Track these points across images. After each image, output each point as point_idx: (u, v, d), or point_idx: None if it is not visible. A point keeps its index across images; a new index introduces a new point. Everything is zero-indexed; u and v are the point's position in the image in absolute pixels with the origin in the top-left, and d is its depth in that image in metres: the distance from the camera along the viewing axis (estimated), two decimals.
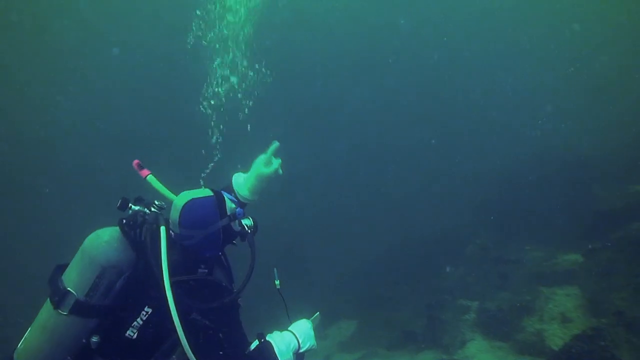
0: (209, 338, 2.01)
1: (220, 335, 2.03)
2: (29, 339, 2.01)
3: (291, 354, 2.21)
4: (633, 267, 6.20)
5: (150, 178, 2.41)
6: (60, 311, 1.95)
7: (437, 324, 7.40)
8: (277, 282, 2.40)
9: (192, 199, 2.19)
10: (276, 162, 2.59)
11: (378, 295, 9.50)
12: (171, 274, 1.96)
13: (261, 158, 2.58)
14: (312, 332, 2.34)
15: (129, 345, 2.01)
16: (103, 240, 2.06)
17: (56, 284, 2.01)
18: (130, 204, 2.18)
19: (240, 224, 2.33)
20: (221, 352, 2.04)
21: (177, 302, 1.91)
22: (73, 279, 2.00)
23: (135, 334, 2.01)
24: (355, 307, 9.47)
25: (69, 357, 2.01)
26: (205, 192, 2.24)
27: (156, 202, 2.21)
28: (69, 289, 1.97)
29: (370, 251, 11.94)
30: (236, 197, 2.55)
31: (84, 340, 1.99)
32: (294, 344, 2.25)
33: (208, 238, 2.18)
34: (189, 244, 2.16)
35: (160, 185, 2.39)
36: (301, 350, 2.27)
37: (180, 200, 2.20)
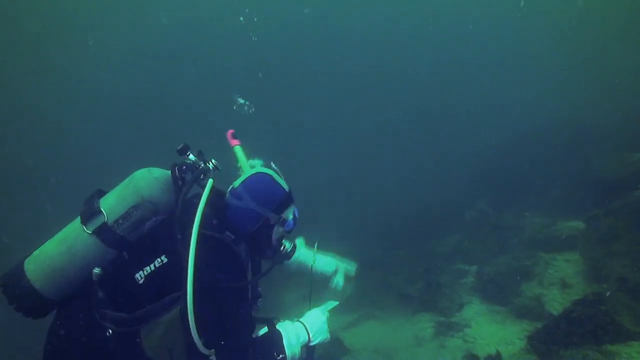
0: (214, 311, 1.94)
1: (227, 312, 1.98)
2: (45, 247, 2.00)
3: (299, 347, 2.14)
4: (635, 234, 6.14)
5: (237, 149, 2.45)
6: (85, 228, 1.95)
7: (434, 287, 7.40)
8: (313, 259, 2.43)
9: (271, 175, 2.21)
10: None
11: (375, 259, 9.48)
12: (201, 225, 1.94)
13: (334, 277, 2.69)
14: (325, 326, 2.27)
15: (132, 288, 1.97)
16: (153, 176, 2.06)
17: (91, 203, 2.01)
18: (189, 153, 2.15)
19: (280, 238, 2.30)
20: (225, 328, 1.98)
21: (196, 260, 1.86)
22: (110, 203, 2.00)
23: (143, 279, 1.96)
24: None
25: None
26: (285, 183, 2.24)
27: (213, 161, 2.17)
28: (102, 209, 1.96)
29: (368, 219, 11.89)
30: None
31: (94, 269, 1.98)
32: (303, 337, 2.19)
33: (250, 213, 2.14)
34: (234, 204, 2.14)
35: (244, 158, 2.41)
36: (312, 344, 2.21)
37: (261, 168, 2.23)
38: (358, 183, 15.06)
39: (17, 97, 19.73)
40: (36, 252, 2.01)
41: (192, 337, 1.88)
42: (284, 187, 2.24)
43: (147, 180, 2.04)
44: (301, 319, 2.26)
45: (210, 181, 2.08)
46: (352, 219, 12.09)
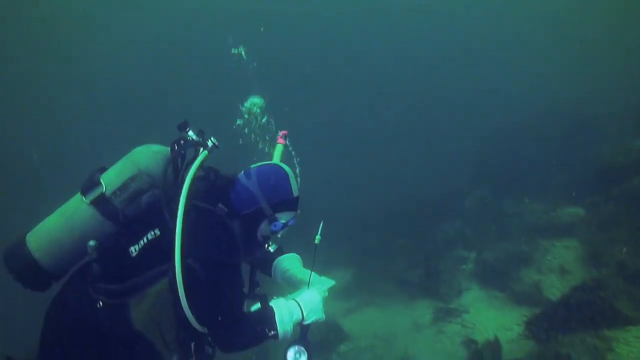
0: (204, 283, 1.95)
1: (217, 285, 1.97)
2: (47, 220, 2.06)
3: (291, 325, 2.09)
4: (635, 220, 6.13)
5: (279, 146, 2.53)
6: (84, 199, 1.99)
7: (433, 274, 7.40)
8: (318, 237, 2.30)
9: (287, 173, 2.22)
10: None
11: (375, 246, 9.49)
12: (192, 196, 1.98)
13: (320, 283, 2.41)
14: (320, 305, 2.20)
15: (126, 262, 1.99)
16: (151, 150, 2.10)
17: (92, 176, 2.05)
18: (188, 129, 2.18)
19: (266, 237, 2.27)
20: (215, 302, 1.97)
21: (183, 231, 1.88)
22: (109, 175, 2.08)
23: (136, 252, 1.99)
24: (352, 257, 9.48)
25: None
26: (296, 189, 2.25)
27: (212, 139, 2.17)
28: (101, 181, 2.01)
29: (368, 207, 11.88)
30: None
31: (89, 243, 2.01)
32: (297, 315, 2.13)
33: (249, 194, 2.16)
34: (241, 181, 2.18)
35: (279, 155, 2.49)
36: (305, 323, 2.16)
37: (282, 164, 2.29)
38: (358, 172, 15.04)
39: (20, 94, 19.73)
40: (38, 227, 2.06)
41: (182, 310, 1.90)
42: (293, 190, 2.23)
43: (145, 154, 2.09)
44: (296, 298, 2.21)
45: (204, 153, 2.10)
46: (353, 207, 12.09)
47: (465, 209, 9.64)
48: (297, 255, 2.62)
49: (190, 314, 1.92)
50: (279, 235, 2.30)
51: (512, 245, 7.23)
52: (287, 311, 2.10)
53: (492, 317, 6.13)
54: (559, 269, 6.35)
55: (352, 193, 13.27)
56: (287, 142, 2.66)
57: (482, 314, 6.29)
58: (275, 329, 2.04)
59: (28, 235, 2.04)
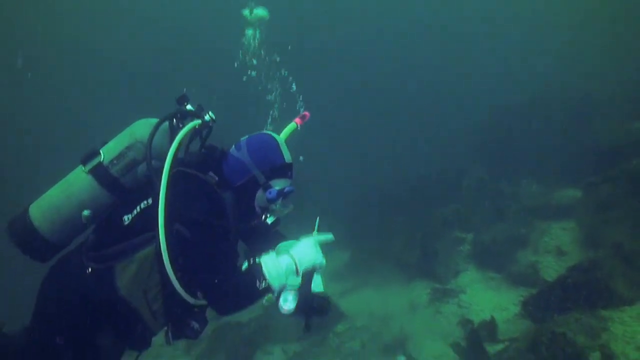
0: (190, 249, 1.94)
1: (201, 249, 1.95)
2: (49, 191, 2.10)
3: (284, 278, 1.98)
4: (633, 202, 6.12)
5: (292, 125, 2.51)
6: (83, 168, 2.03)
7: (430, 255, 7.42)
8: (314, 233, 2.22)
9: (277, 140, 2.22)
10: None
11: (372, 227, 9.50)
12: (180, 163, 2.03)
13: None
14: (313, 249, 2.07)
15: (119, 230, 2.02)
16: (150, 122, 2.13)
17: (93, 147, 2.14)
18: (187, 103, 2.19)
19: (264, 208, 2.23)
20: (204, 264, 1.96)
21: (168, 195, 1.90)
22: (108, 146, 2.13)
23: (129, 221, 2.01)
24: (349, 239, 9.49)
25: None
26: (288, 155, 2.23)
27: (210, 113, 2.18)
28: (100, 150, 2.10)
29: (367, 188, 11.87)
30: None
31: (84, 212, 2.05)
32: (288, 264, 2.01)
33: (241, 164, 2.16)
34: (232, 153, 2.19)
35: (287, 134, 2.46)
36: (302, 270, 2.03)
37: (271, 132, 2.28)
38: (357, 154, 15.02)
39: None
40: (41, 197, 2.11)
41: (168, 277, 1.90)
42: (285, 156, 2.20)
43: (143, 125, 2.13)
44: (288, 248, 2.11)
45: (194, 122, 2.12)
46: (351, 189, 12.08)
47: (462, 191, 9.63)
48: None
49: (176, 280, 1.91)
50: (276, 206, 2.22)
51: (509, 227, 7.24)
52: (275, 266, 1.99)
53: (489, 298, 6.16)
54: (555, 250, 6.38)
55: (351, 174, 13.28)
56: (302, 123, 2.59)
57: (479, 295, 6.33)
58: (266, 282, 1.95)
59: (31, 206, 2.09)
